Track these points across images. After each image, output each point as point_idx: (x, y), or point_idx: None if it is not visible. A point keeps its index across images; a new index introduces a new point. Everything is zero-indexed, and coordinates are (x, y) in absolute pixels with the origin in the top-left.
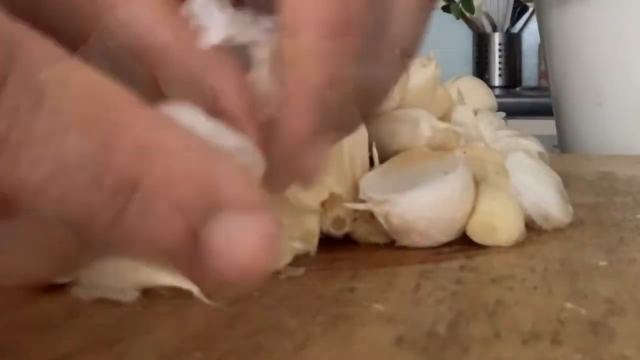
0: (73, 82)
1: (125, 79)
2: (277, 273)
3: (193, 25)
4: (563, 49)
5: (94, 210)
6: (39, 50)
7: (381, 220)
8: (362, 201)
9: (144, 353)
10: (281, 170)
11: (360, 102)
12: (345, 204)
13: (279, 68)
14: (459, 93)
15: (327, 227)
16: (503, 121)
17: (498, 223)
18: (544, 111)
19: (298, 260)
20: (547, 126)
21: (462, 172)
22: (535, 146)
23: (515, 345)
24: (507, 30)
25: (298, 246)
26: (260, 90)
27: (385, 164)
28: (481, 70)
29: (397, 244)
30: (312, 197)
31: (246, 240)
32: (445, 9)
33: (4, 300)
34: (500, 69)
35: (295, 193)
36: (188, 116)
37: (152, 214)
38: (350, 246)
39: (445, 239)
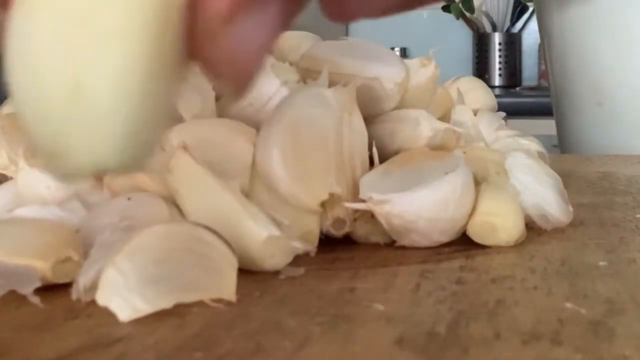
0: None
1: None
2: (277, 273)
3: None
4: (563, 49)
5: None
6: None
7: (381, 220)
8: (362, 201)
9: (144, 353)
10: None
11: None
12: (345, 204)
13: None
14: (459, 93)
15: (327, 227)
16: (503, 121)
17: (498, 223)
18: (544, 111)
19: (298, 260)
20: (547, 126)
21: (462, 172)
22: (535, 146)
23: (515, 345)
24: (507, 30)
25: (298, 246)
26: None
27: (385, 164)
28: (481, 70)
29: (397, 244)
30: (312, 197)
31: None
32: (445, 9)
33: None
34: (500, 69)
35: (295, 193)
36: None
37: None
38: (350, 246)
39: (445, 239)
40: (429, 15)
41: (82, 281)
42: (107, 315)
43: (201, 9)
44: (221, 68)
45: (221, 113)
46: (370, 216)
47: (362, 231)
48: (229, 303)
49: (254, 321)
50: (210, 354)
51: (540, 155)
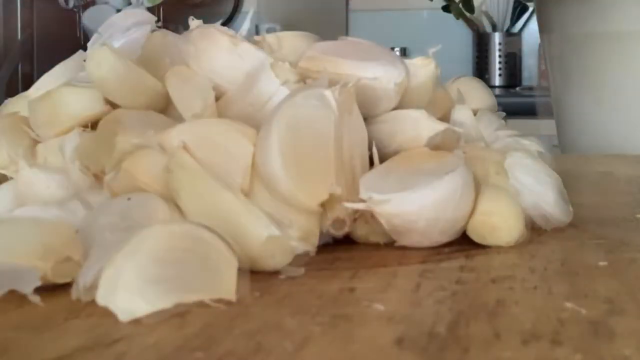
0: None
1: None
2: (277, 273)
3: None
4: (563, 49)
5: None
6: None
7: (381, 220)
8: (362, 201)
9: (144, 353)
10: None
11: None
12: (345, 204)
13: None
14: (459, 93)
15: (327, 227)
16: (503, 121)
17: (498, 223)
18: (544, 111)
19: (298, 260)
20: (547, 126)
21: (462, 172)
22: (535, 146)
23: (515, 345)
24: (507, 30)
25: (298, 246)
26: None
27: (385, 164)
28: (481, 70)
29: (397, 244)
30: (312, 197)
31: None
32: (445, 9)
33: None
34: (500, 69)
35: (295, 193)
36: None
37: None
38: (350, 246)
39: (445, 239)
40: (429, 15)
41: (82, 281)
42: (107, 315)
43: None
44: None
45: (221, 113)
46: (370, 216)
47: (362, 231)
48: (229, 303)
49: (254, 321)
50: (210, 354)
51: (540, 155)
